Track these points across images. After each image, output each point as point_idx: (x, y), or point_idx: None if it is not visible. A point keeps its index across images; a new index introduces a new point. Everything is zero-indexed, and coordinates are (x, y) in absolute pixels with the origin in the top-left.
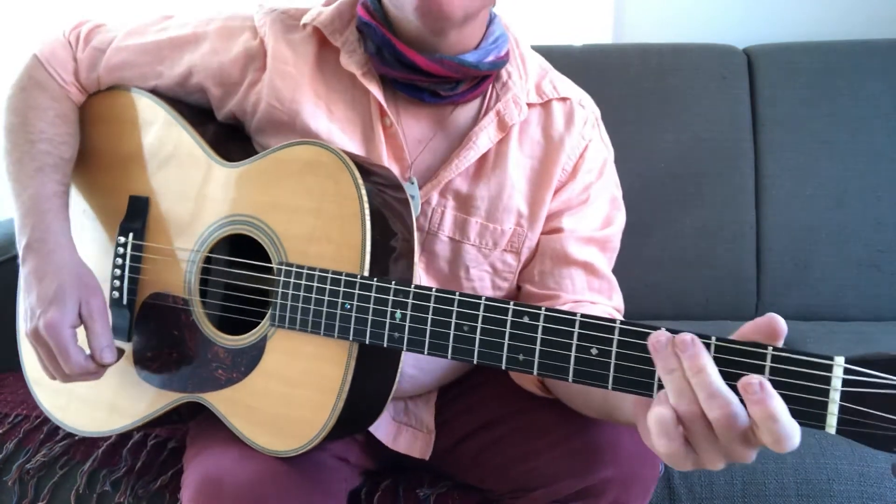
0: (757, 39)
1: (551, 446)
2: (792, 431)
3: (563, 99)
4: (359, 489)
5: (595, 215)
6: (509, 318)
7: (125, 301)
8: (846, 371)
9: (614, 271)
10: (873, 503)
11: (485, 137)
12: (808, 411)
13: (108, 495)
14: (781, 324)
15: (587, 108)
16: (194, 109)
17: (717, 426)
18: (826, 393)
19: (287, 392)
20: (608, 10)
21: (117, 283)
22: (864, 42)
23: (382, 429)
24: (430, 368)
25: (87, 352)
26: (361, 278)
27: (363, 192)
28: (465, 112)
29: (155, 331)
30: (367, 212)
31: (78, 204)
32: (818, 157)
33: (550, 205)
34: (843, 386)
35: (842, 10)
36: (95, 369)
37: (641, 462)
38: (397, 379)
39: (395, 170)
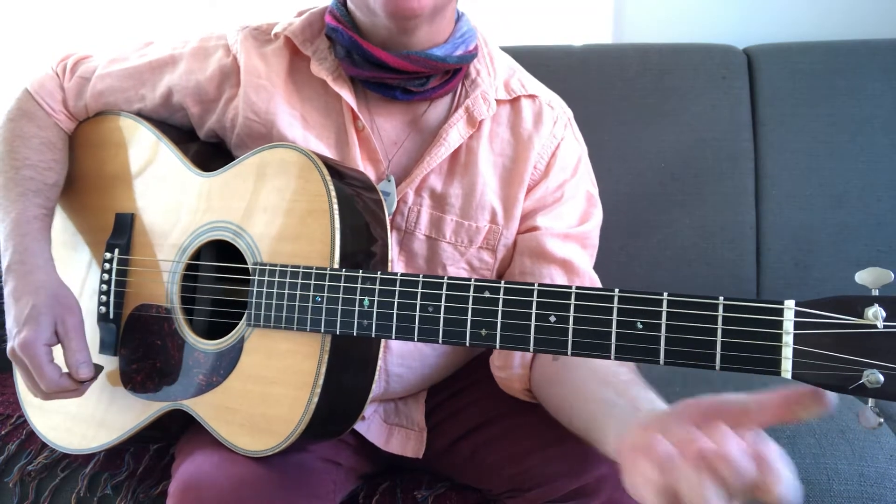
0: (757, 39)
1: (544, 446)
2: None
3: (532, 97)
4: (356, 492)
5: (571, 212)
6: (471, 293)
7: (112, 315)
8: (797, 314)
9: (614, 270)
10: (873, 503)
11: (455, 133)
12: (763, 357)
13: (108, 499)
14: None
15: (556, 109)
16: (178, 130)
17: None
18: (779, 337)
19: (264, 391)
20: (608, 10)
21: (104, 297)
22: (864, 42)
23: (374, 431)
24: (417, 367)
25: (65, 369)
26: (330, 270)
27: (331, 187)
28: (437, 111)
29: (140, 342)
30: (335, 206)
31: (68, 226)
32: (818, 157)
33: (525, 203)
34: (795, 329)
35: (842, 10)
36: (73, 386)
37: None
38: (377, 375)
39: (371, 171)
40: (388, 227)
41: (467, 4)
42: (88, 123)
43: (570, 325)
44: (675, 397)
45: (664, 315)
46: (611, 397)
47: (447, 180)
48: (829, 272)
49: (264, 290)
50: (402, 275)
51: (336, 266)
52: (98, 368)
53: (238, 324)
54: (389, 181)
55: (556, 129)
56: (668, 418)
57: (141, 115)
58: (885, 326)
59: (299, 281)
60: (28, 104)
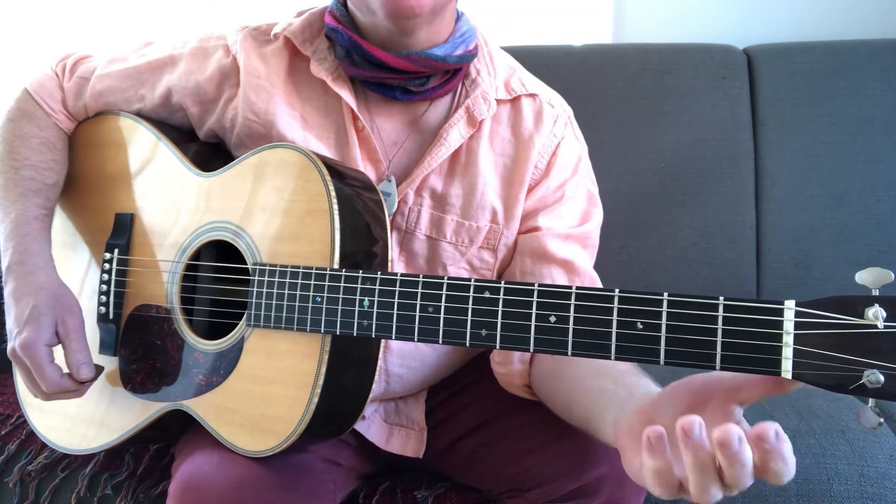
0: (757, 39)
1: (545, 446)
2: (793, 466)
3: (532, 95)
4: (356, 492)
5: (572, 212)
6: (471, 294)
7: (111, 315)
8: (798, 314)
9: (614, 270)
10: (873, 503)
11: (455, 133)
12: (763, 357)
13: (108, 499)
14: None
15: (557, 107)
16: (178, 130)
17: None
18: (779, 337)
19: (264, 391)
20: (608, 10)
21: (104, 298)
22: (864, 42)
23: (375, 431)
24: (417, 367)
25: (66, 370)
26: (330, 271)
27: (331, 187)
28: (437, 111)
29: (140, 342)
30: (335, 206)
31: (68, 226)
32: (818, 157)
33: (526, 203)
34: (795, 329)
35: (842, 10)
36: (73, 387)
37: None
38: (376, 376)
39: (371, 171)
40: (389, 227)
41: (467, 4)
42: (88, 123)
43: (571, 326)
44: None
45: (664, 315)
46: (609, 386)
47: (448, 180)
48: (829, 272)
49: (264, 290)
50: (402, 275)
51: (336, 266)
52: (99, 369)
53: (238, 324)
54: (390, 181)
55: (557, 127)
56: (661, 399)
57: (140, 115)
58: (885, 326)
59: (299, 281)
60: (27, 104)
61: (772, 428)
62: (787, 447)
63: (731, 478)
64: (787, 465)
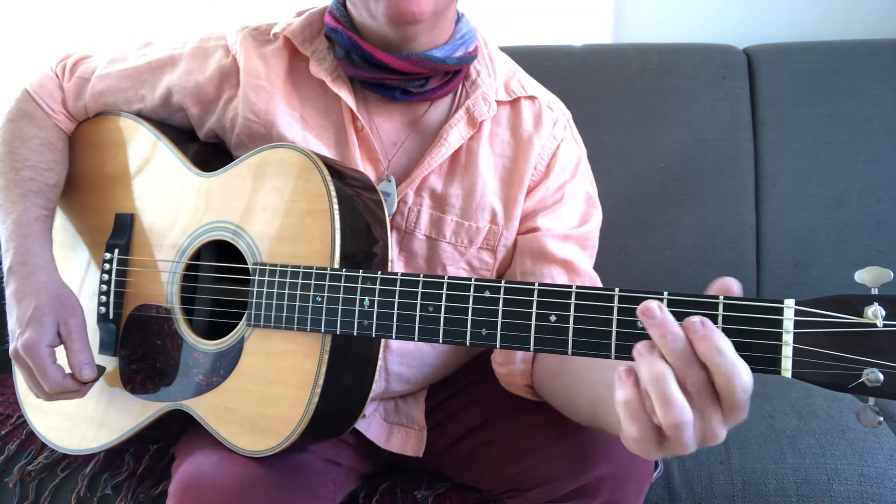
0: (757, 39)
1: (545, 446)
2: (739, 366)
3: (531, 98)
4: (356, 492)
5: (571, 213)
6: (471, 293)
7: (111, 315)
8: (797, 313)
9: (614, 270)
10: (873, 503)
11: (455, 134)
12: (762, 356)
13: (108, 499)
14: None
15: (556, 110)
16: (178, 130)
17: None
18: (779, 336)
19: (264, 391)
20: (608, 10)
21: (104, 298)
22: (864, 42)
23: (374, 430)
24: (417, 366)
25: (68, 370)
26: (330, 270)
27: (331, 187)
28: (437, 111)
29: (140, 342)
30: (335, 206)
31: (68, 226)
32: (818, 157)
33: (525, 204)
34: (795, 328)
35: (842, 10)
36: (75, 387)
37: (635, 460)
38: (376, 375)
39: (371, 171)
40: (388, 227)
41: (467, 5)
42: (88, 124)
43: (571, 325)
44: None
45: None
46: (614, 378)
47: (447, 181)
48: (829, 272)
49: (264, 290)
50: (402, 275)
51: (336, 266)
52: (101, 369)
53: (238, 324)
54: (389, 181)
55: (556, 130)
56: None
57: (141, 115)
58: (884, 325)
59: (299, 281)
60: (28, 105)
61: (697, 318)
62: (717, 335)
63: (676, 365)
64: (725, 356)
